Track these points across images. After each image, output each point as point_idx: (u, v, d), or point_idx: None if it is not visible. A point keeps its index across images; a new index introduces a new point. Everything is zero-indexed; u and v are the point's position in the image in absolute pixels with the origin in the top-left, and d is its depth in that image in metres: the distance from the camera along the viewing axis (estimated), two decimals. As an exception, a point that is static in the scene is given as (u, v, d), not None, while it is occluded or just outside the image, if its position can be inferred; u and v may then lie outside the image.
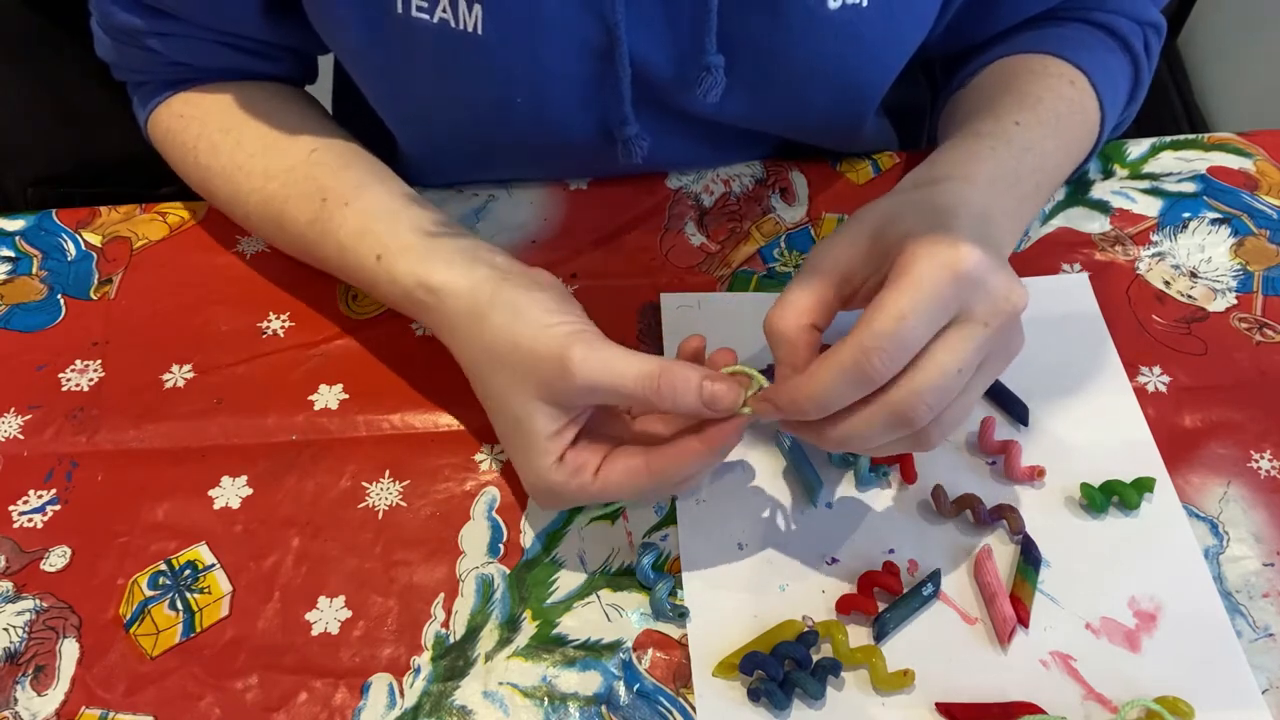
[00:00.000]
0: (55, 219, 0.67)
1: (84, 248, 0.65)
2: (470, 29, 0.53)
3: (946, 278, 0.42)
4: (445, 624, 0.50)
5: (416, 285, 0.52)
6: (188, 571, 0.52)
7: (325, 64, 0.68)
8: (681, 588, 0.51)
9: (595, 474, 0.48)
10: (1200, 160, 0.70)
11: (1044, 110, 0.58)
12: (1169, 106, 1.59)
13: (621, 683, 0.48)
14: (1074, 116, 0.61)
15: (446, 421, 0.57)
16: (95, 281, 0.64)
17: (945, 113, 0.67)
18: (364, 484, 0.55)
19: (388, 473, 0.55)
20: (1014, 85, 0.60)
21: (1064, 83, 0.61)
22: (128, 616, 0.50)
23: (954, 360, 0.43)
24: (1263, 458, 0.55)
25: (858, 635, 0.49)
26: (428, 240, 0.53)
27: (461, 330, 0.51)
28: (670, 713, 0.47)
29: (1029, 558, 0.51)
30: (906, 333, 0.42)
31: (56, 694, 0.48)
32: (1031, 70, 0.61)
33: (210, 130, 0.61)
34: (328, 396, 0.58)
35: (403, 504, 0.54)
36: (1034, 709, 0.47)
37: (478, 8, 0.52)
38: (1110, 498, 0.53)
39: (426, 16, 0.53)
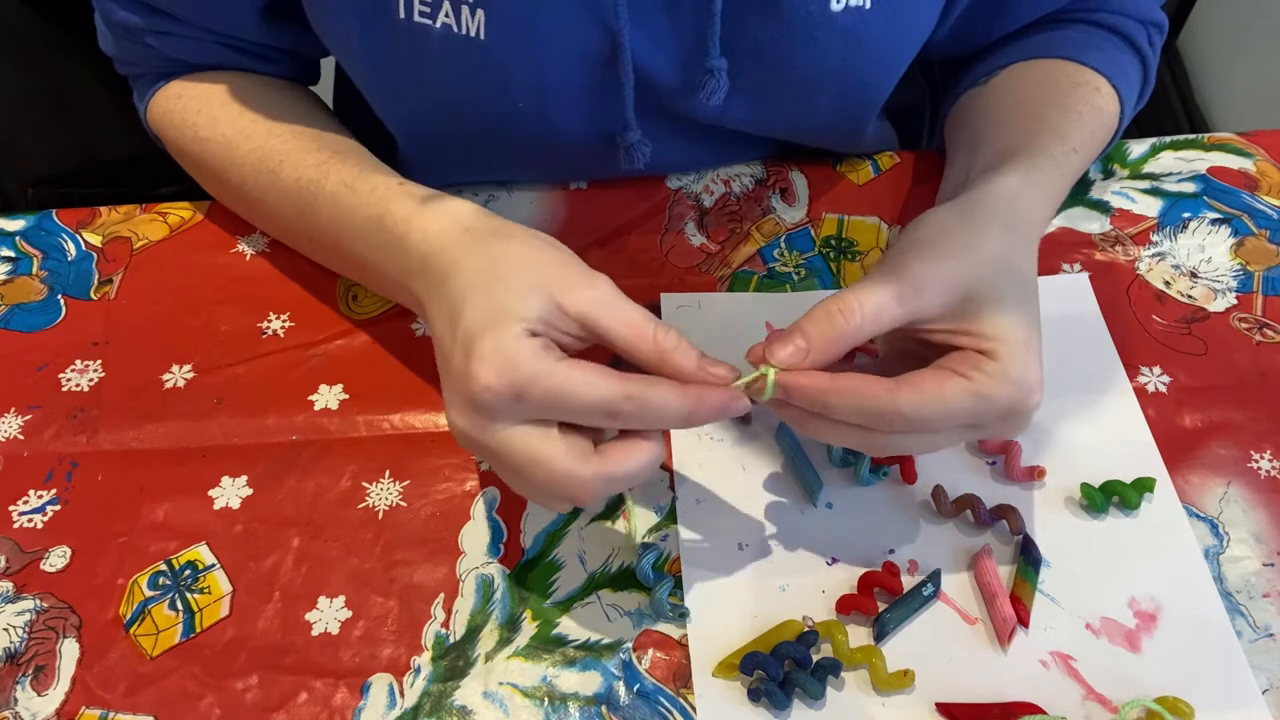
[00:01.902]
0: (55, 219, 0.67)
1: (84, 248, 0.65)
2: (472, 34, 0.53)
3: (1005, 407, 0.44)
4: (445, 624, 0.50)
5: (436, 208, 0.50)
6: (188, 572, 0.52)
7: (326, 65, 0.68)
8: (681, 588, 0.51)
9: (539, 383, 0.42)
10: (1200, 160, 0.70)
11: (1084, 128, 0.59)
12: (1169, 106, 1.59)
13: (621, 683, 0.48)
14: (1102, 131, 0.61)
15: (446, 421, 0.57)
16: (95, 281, 0.64)
17: (966, 113, 0.64)
18: (364, 484, 0.55)
19: (388, 473, 0.55)
20: (1056, 98, 0.60)
21: (1091, 90, 0.61)
22: (128, 616, 0.50)
23: (948, 442, 0.46)
24: (1263, 458, 0.55)
25: (858, 635, 0.49)
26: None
27: (472, 240, 0.47)
28: (670, 713, 0.47)
29: (1029, 558, 0.51)
30: (938, 422, 0.44)
31: (56, 694, 0.48)
32: (1059, 81, 0.61)
33: (212, 105, 0.61)
34: (328, 396, 0.58)
35: (403, 504, 0.54)
36: (1034, 709, 0.47)
37: (480, 13, 0.52)
38: (1110, 498, 0.53)
39: (429, 22, 0.53)
